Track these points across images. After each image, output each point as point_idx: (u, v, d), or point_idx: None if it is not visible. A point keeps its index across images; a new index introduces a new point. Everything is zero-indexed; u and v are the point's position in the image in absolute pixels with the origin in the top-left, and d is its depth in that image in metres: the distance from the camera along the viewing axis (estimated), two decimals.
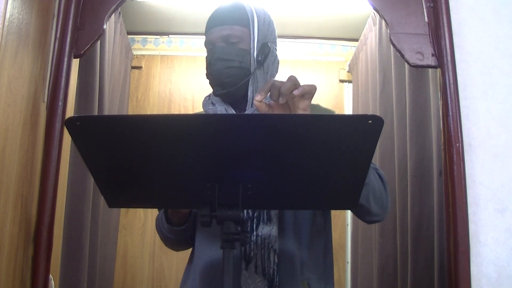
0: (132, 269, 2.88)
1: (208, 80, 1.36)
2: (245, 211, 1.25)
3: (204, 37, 1.40)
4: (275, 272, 1.22)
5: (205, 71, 1.36)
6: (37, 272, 1.40)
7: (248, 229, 1.24)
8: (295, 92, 1.08)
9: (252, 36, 1.35)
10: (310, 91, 1.11)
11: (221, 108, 1.34)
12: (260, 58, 1.34)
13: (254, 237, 1.23)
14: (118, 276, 2.84)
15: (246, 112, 1.34)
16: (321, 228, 1.34)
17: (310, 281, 1.26)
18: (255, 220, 1.25)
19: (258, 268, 1.21)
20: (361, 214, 1.27)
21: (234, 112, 1.34)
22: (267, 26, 1.39)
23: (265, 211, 1.26)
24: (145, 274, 2.88)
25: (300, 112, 1.10)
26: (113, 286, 2.72)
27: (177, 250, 1.47)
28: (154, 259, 2.89)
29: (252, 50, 1.34)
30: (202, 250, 1.29)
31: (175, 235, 1.30)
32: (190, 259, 1.37)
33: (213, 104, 1.36)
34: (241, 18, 1.35)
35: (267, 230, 1.25)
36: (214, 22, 1.36)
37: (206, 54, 1.37)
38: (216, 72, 1.31)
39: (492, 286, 1.41)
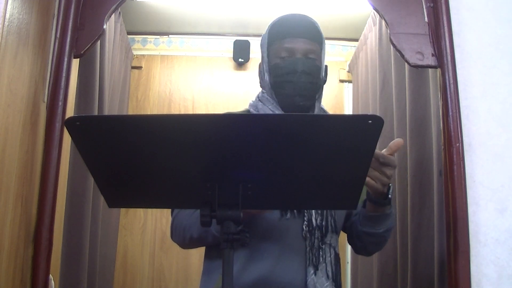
0: (132, 269, 2.88)
1: (266, 84, 1.40)
2: (313, 219, 1.30)
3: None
4: (340, 277, 1.32)
5: (276, 76, 1.37)
6: (37, 272, 1.40)
7: (317, 236, 1.29)
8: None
9: (322, 55, 1.41)
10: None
11: None
12: (325, 78, 1.43)
13: (324, 244, 1.30)
14: (118, 276, 2.84)
15: None
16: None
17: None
18: (323, 228, 1.31)
19: (328, 273, 1.28)
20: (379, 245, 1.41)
21: None
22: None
23: (331, 220, 1.32)
24: (145, 274, 2.88)
25: (385, 179, 1.21)
26: (113, 286, 2.72)
27: (185, 248, 1.45)
28: (154, 259, 2.89)
29: (321, 69, 1.41)
30: (251, 262, 1.28)
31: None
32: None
33: (272, 111, 1.38)
34: (317, 36, 1.40)
35: (335, 238, 1.33)
36: (294, 32, 1.39)
37: (277, 59, 1.38)
38: (300, 84, 1.35)
39: (492, 286, 1.41)
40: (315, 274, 1.26)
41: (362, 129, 0.89)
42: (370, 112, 2.60)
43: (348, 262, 2.95)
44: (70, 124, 0.89)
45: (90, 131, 0.91)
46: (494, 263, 1.43)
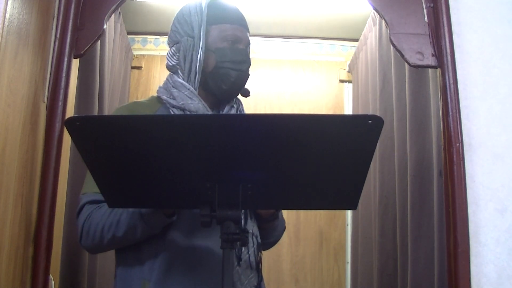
0: None
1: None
2: None
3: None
4: (261, 266, 1.27)
5: (224, 61, 1.33)
6: (37, 272, 1.40)
7: None
8: None
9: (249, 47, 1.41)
10: None
11: (201, 105, 1.32)
12: None
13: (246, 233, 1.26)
14: None
15: (225, 111, 1.37)
16: None
17: None
18: (242, 216, 1.24)
19: (252, 263, 1.24)
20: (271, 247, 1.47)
21: (209, 109, 1.34)
22: None
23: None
24: None
25: None
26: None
27: (97, 252, 1.40)
28: None
29: None
30: (176, 254, 1.23)
31: (157, 228, 1.20)
32: (155, 255, 1.25)
33: (190, 98, 1.32)
34: (248, 28, 1.42)
35: (255, 227, 1.30)
36: (236, 20, 1.38)
37: (223, 43, 1.35)
38: (246, 74, 1.36)
39: (492, 286, 1.41)
40: (239, 265, 1.22)
41: (362, 129, 0.89)
42: (370, 112, 2.60)
43: (348, 262, 2.95)
44: (70, 124, 0.89)
45: (90, 131, 0.91)
46: (494, 263, 1.43)
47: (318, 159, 0.94)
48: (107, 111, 2.30)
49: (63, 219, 1.68)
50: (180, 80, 1.34)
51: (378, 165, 2.39)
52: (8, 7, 1.25)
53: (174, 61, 1.39)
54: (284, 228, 1.48)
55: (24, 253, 1.37)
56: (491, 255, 1.43)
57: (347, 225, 3.01)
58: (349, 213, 3.00)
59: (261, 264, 1.30)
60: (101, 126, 0.93)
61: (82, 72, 1.93)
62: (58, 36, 1.54)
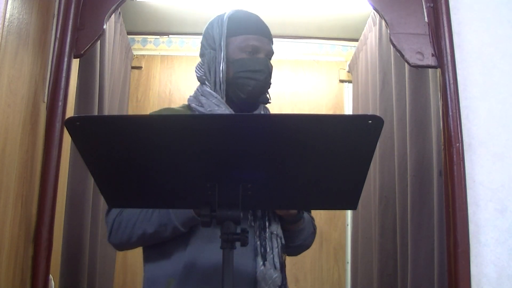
0: (132, 269, 2.88)
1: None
2: None
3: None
4: (285, 267, 1.29)
5: (241, 71, 1.38)
6: (37, 272, 1.40)
7: (262, 226, 1.28)
8: None
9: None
10: None
11: (227, 111, 1.37)
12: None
13: (269, 234, 1.28)
14: (118, 276, 2.83)
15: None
16: None
17: None
18: (266, 217, 1.29)
19: (276, 264, 1.26)
20: (299, 252, 1.47)
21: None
22: None
23: (271, 211, 1.30)
24: None
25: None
26: (113, 286, 2.72)
27: (124, 249, 1.42)
28: None
29: None
30: (199, 250, 1.27)
31: (187, 227, 1.25)
32: (180, 251, 1.29)
33: (218, 105, 1.38)
34: (272, 39, 1.46)
35: (279, 228, 1.31)
36: (258, 30, 1.42)
37: (242, 54, 1.40)
38: (265, 83, 1.40)
39: (492, 286, 1.41)
40: (264, 266, 1.25)
41: (362, 129, 0.89)
42: (370, 112, 2.60)
43: (348, 262, 2.95)
44: (70, 124, 0.89)
45: (90, 131, 0.91)
46: (494, 263, 1.43)
47: (318, 159, 0.94)
48: (107, 111, 2.30)
49: (63, 219, 1.68)
50: (208, 89, 1.42)
51: (378, 165, 2.39)
52: (8, 7, 1.25)
53: (201, 72, 1.47)
54: (313, 232, 1.46)
55: (24, 253, 1.37)
56: (491, 255, 1.43)
57: (347, 225, 3.01)
58: (349, 213, 3.00)
59: (285, 265, 1.32)
60: (101, 126, 0.93)
61: (82, 72, 1.93)
62: (58, 36, 1.54)
